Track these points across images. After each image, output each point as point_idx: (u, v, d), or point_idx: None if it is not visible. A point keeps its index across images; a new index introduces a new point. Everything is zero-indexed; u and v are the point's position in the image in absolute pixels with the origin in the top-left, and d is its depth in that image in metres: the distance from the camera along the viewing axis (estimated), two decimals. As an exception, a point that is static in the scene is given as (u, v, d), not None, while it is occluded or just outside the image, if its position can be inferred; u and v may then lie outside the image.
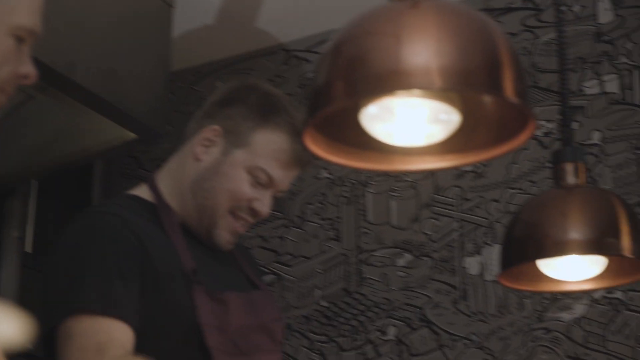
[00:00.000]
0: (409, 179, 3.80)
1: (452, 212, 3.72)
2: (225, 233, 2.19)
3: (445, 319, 3.64)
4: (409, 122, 1.42)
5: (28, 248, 3.93)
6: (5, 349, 0.73)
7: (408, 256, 3.76)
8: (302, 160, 2.23)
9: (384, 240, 3.80)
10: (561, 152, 2.15)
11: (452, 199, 3.73)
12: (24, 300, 3.63)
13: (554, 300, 3.46)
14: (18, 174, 3.74)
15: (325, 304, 3.84)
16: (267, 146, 2.17)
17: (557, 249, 2.04)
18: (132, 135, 3.48)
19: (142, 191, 2.23)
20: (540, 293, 3.42)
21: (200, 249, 2.18)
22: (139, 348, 1.99)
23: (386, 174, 3.79)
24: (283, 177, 2.20)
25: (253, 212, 2.20)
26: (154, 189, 2.21)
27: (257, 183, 2.18)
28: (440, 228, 3.72)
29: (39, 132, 3.55)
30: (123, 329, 1.96)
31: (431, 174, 3.73)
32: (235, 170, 2.16)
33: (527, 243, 2.08)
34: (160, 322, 2.03)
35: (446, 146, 1.47)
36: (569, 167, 2.13)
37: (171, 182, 2.22)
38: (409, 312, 3.69)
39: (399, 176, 3.78)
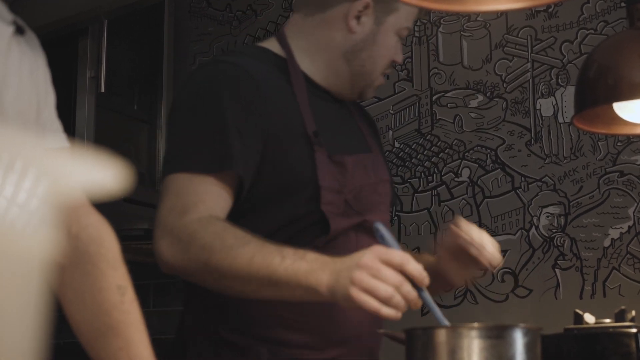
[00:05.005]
0: (480, 19, 3.74)
1: (524, 52, 3.66)
2: (375, 88, 2.31)
3: (518, 161, 3.63)
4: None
5: (102, 88, 3.97)
6: (101, 196, 0.73)
7: (480, 97, 3.73)
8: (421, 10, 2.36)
9: (456, 81, 3.77)
10: (636, -8, 2.10)
11: (524, 39, 3.67)
12: (99, 140, 3.69)
13: (629, 143, 3.42)
14: (89, 13, 3.74)
15: (398, 145, 3.85)
16: (409, 7, 2.24)
17: (633, 91, 2.01)
18: (200, -27, 3.46)
19: (272, 44, 2.26)
20: (615, 136, 3.39)
21: (323, 108, 2.22)
22: (256, 209, 2.05)
23: (457, 14, 3.73)
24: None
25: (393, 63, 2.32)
26: (285, 44, 2.24)
27: (400, 39, 2.29)
28: (513, 69, 3.68)
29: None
30: (219, 190, 1.99)
31: (503, 13, 3.67)
32: (388, 36, 2.24)
33: (601, 85, 2.05)
34: (280, 181, 2.07)
35: (518, -15, 1.44)
36: (645, 8, 2.08)
37: (307, 45, 2.24)
38: (482, 154, 3.68)
39: (470, 16, 3.72)
